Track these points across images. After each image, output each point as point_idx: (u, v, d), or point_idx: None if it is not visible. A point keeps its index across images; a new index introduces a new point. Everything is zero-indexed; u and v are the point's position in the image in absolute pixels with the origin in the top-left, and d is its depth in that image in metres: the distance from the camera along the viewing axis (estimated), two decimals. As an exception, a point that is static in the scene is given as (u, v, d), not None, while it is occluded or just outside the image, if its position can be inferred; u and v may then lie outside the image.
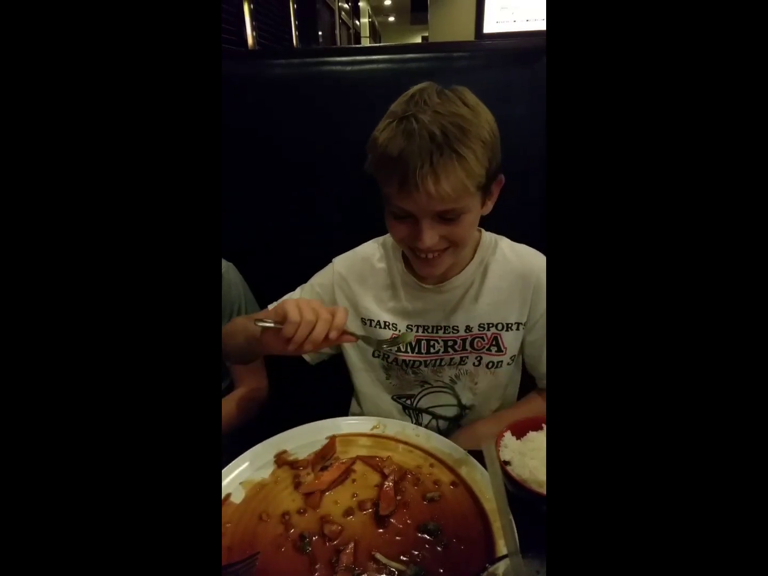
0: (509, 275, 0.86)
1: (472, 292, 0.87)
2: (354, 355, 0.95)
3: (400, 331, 0.90)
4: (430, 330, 0.89)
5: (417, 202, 0.70)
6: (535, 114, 1.00)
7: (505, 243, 0.89)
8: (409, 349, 0.90)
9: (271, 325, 0.65)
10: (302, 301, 0.65)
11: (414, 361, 0.91)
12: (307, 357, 0.93)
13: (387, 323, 0.90)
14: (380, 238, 0.94)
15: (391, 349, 0.76)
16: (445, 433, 0.93)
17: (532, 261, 0.87)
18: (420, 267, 0.83)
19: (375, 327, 0.91)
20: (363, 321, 0.91)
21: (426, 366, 0.91)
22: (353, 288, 0.91)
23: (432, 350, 0.90)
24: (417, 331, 0.90)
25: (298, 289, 0.94)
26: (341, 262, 0.93)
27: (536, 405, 0.92)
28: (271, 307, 0.89)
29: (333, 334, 0.64)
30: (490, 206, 0.79)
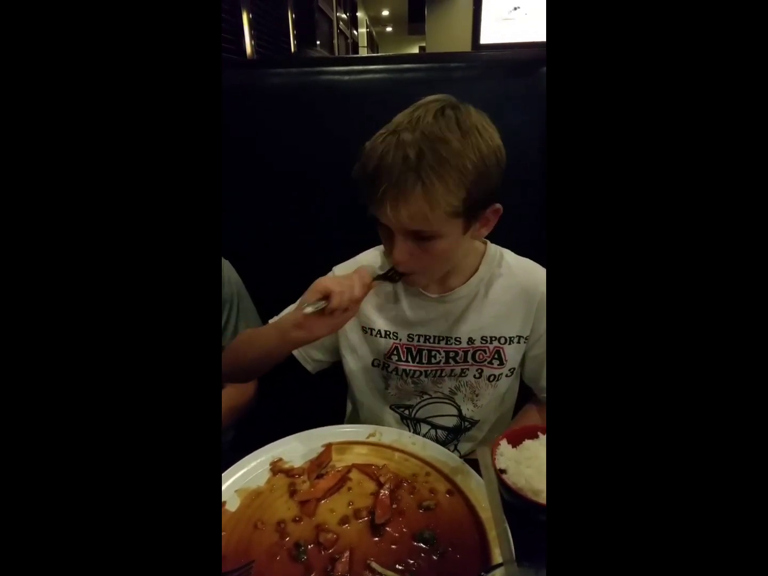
0: (514, 289, 0.86)
1: (476, 303, 0.87)
2: (353, 364, 0.94)
3: (400, 340, 0.89)
4: (431, 340, 0.89)
5: (385, 218, 0.71)
6: (531, 124, 1.00)
7: (510, 256, 0.89)
8: (410, 359, 0.90)
9: (320, 304, 0.69)
10: (330, 278, 0.75)
11: (414, 371, 0.90)
12: (308, 366, 0.92)
13: (388, 332, 0.89)
14: (381, 246, 0.93)
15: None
16: (443, 443, 0.93)
17: (537, 276, 0.86)
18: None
19: (375, 336, 0.90)
20: (363, 329, 0.91)
21: (426, 376, 0.91)
22: None
23: (433, 360, 0.89)
24: (418, 341, 0.89)
25: (299, 301, 0.91)
26: (342, 271, 0.92)
27: (533, 417, 0.92)
28: (273, 320, 0.89)
29: (362, 291, 0.71)
30: (484, 232, 0.78)
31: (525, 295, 0.86)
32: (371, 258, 0.93)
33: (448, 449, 0.76)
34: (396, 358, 0.90)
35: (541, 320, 0.86)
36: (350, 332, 0.91)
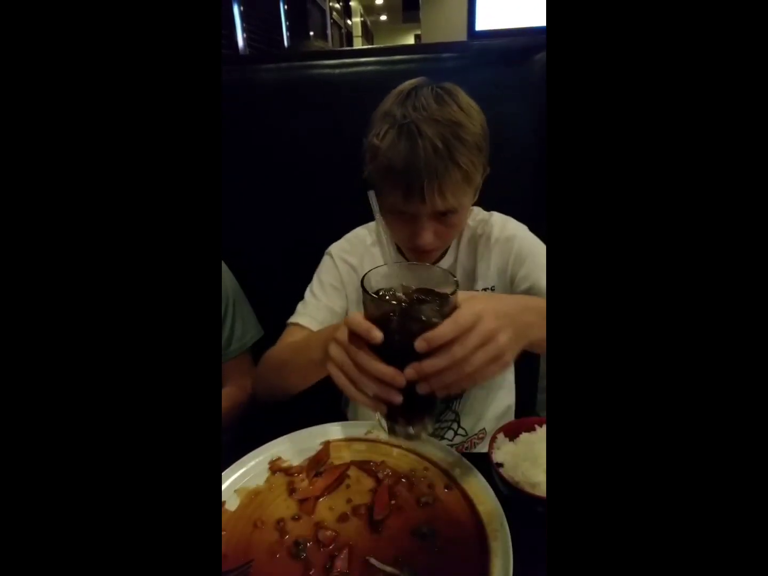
0: (494, 243, 0.88)
1: (460, 268, 0.90)
2: None
3: None
4: None
5: (420, 208, 0.74)
6: (526, 112, 1.00)
7: (493, 216, 0.92)
8: None
9: None
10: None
11: None
12: None
13: None
14: (370, 224, 0.96)
15: None
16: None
17: (513, 229, 0.89)
18: (413, 258, 0.86)
19: None
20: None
21: None
22: (358, 270, 0.91)
23: None
24: None
25: (308, 292, 0.91)
26: (339, 250, 0.94)
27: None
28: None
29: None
30: (476, 196, 0.83)
31: (501, 248, 0.88)
32: (362, 236, 0.95)
33: (451, 430, 0.74)
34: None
35: (521, 268, 0.86)
36: (355, 310, 0.90)
